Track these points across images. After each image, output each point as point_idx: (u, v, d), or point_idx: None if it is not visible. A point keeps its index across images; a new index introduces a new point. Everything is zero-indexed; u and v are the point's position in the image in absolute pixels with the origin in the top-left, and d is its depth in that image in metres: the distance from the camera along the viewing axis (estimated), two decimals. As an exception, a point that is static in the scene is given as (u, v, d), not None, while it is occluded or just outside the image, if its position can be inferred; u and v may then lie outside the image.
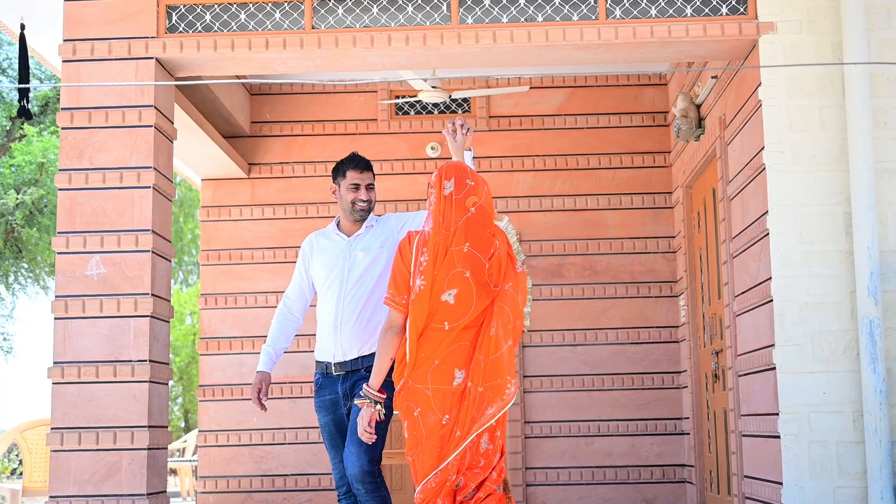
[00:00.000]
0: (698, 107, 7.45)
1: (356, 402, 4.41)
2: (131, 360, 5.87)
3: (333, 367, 4.75)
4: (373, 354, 4.62)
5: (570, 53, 6.23)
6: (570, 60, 6.38)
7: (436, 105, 8.84)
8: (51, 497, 5.81)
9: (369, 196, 4.86)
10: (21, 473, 12.87)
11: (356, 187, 4.85)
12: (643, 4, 6.08)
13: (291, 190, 8.74)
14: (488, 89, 8.14)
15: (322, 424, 4.81)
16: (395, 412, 4.45)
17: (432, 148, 8.72)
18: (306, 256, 4.96)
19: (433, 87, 7.81)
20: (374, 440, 4.37)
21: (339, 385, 4.74)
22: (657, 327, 8.53)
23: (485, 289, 4.29)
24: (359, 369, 4.71)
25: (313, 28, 6.16)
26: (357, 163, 4.90)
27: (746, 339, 6.29)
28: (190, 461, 12.13)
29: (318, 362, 4.83)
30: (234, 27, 6.18)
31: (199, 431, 8.62)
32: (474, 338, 4.28)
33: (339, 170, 4.91)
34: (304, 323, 5.00)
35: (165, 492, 6.11)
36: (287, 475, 8.45)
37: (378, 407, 4.34)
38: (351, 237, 4.87)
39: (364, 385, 4.39)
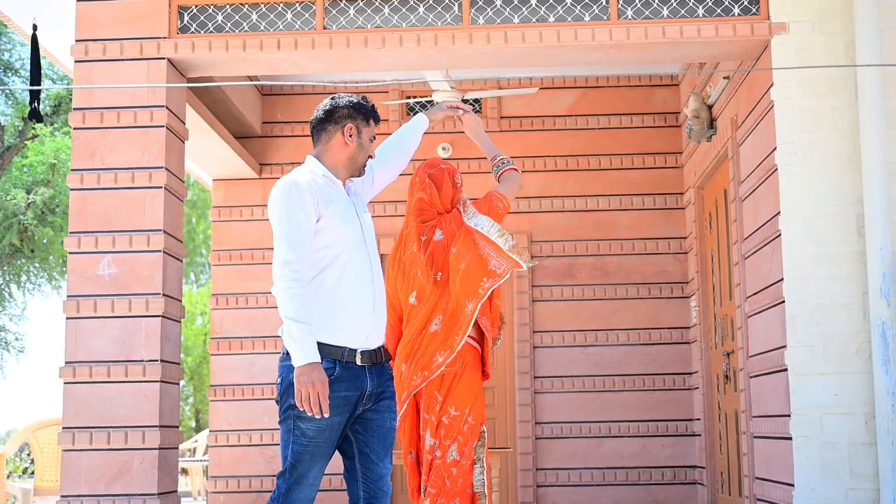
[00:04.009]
0: (710, 107, 7.43)
1: None
2: (142, 360, 5.88)
3: (360, 356, 3.78)
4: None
5: (581, 54, 6.23)
6: (582, 61, 6.38)
7: (447, 105, 8.82)
8: (62, 496, 5.83)
9: None
10: (32, 473, 12.90)
11: (373, 140, 4.03)
12: (655, 5, 6.06)
13: (302, 190, 8.73)
14: (499, 90, 8.13)
15: (326, 426, 3.71)
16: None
17: (443, 148, 8.71)
18: (315, 203, 3.80)
19: (451, 87, 7.82)
20: None
21: (367, 380, 3.80)
22: (668, 328, 8.51)
23: (433, 283, 4.86)
24: (383, 363, 3.88)
25: (324, 28, 6.17)
26: (377, 117, 4.04)
27: (758, 341, 6.27)
28: (201, 461, 12.15)
29: (336, 348, 3.74)
30: (246, 28, 6.19)
31: (210, 431, 8.63)
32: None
33: (364, 113, 3.98)
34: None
35: (176, 491, 6.12)
36: (298, 475, 8.45)
37: None
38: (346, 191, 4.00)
39: None
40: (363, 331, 3.80)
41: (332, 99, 3.99)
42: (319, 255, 3.77)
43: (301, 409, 3.63)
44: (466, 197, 4.97)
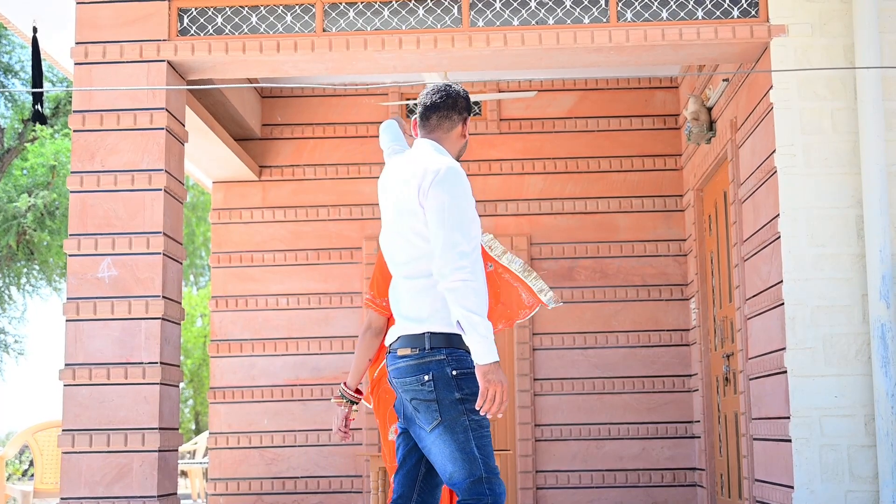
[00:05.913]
0: (709, 109, 7.44)
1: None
2: (142, 362, 5.88)
3: None
4: None
5: (581, 56, 6.23)
6: (582, 63, 6.38)
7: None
8: (62, 499, 5.83)
9: None
10: (32, 475, 12.90)
11: None
12: (654, 7, 6.07)
13: (302, 192, 8.75)
14: (499, 93, 8.13)
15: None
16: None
17: (443, 151, 8.71)
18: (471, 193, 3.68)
19: None
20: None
21: None
22: (668, 330, 8.51)
23: None
24: None
25: (324, 31, 6.17)
26: None
27: (757, 343, 6.27)
28: (201, 463, 12.14)
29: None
30: (246, 30, 6.19)
31: (210, 433, 8.63)
32: None
33: (470, 108, 3.83)
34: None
35: (176, 494, 6.11)
36: (297, 477, 8.46)
37: (353, 407, 4.21)
38: None
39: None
40: None
41: (448, 86, 3.77)
42: None
43: (473, 406, 3.44)
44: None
